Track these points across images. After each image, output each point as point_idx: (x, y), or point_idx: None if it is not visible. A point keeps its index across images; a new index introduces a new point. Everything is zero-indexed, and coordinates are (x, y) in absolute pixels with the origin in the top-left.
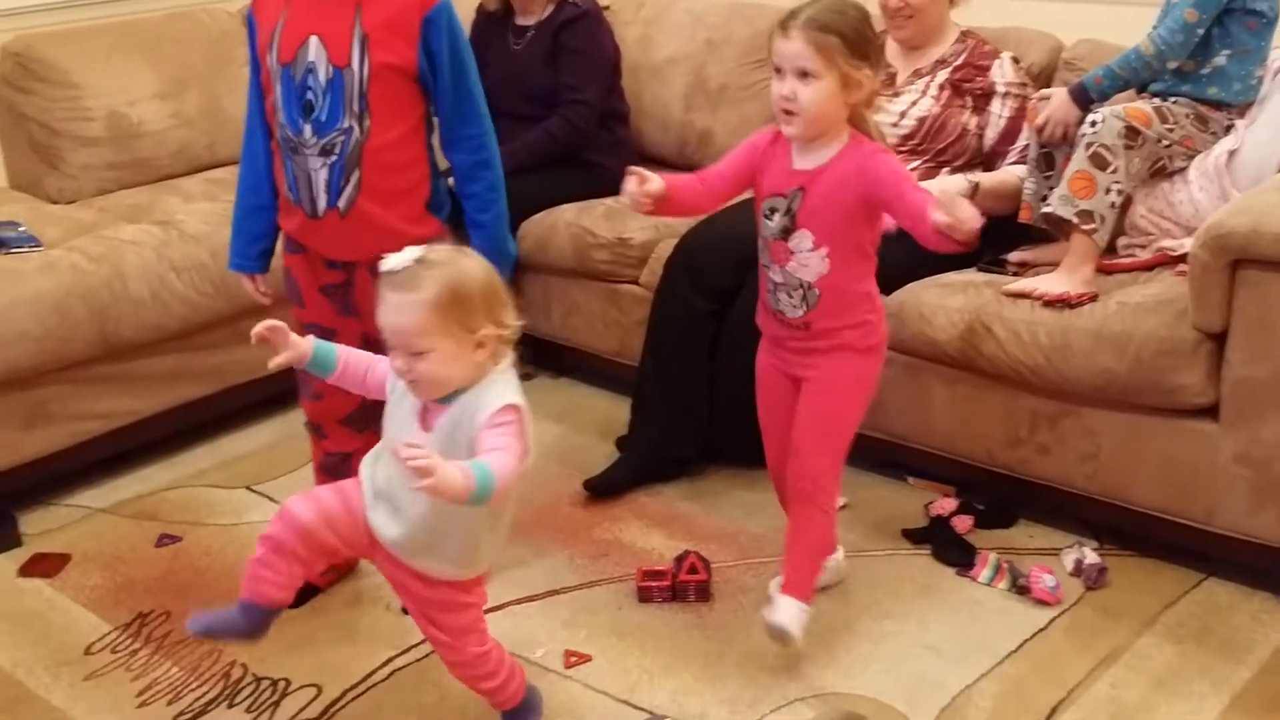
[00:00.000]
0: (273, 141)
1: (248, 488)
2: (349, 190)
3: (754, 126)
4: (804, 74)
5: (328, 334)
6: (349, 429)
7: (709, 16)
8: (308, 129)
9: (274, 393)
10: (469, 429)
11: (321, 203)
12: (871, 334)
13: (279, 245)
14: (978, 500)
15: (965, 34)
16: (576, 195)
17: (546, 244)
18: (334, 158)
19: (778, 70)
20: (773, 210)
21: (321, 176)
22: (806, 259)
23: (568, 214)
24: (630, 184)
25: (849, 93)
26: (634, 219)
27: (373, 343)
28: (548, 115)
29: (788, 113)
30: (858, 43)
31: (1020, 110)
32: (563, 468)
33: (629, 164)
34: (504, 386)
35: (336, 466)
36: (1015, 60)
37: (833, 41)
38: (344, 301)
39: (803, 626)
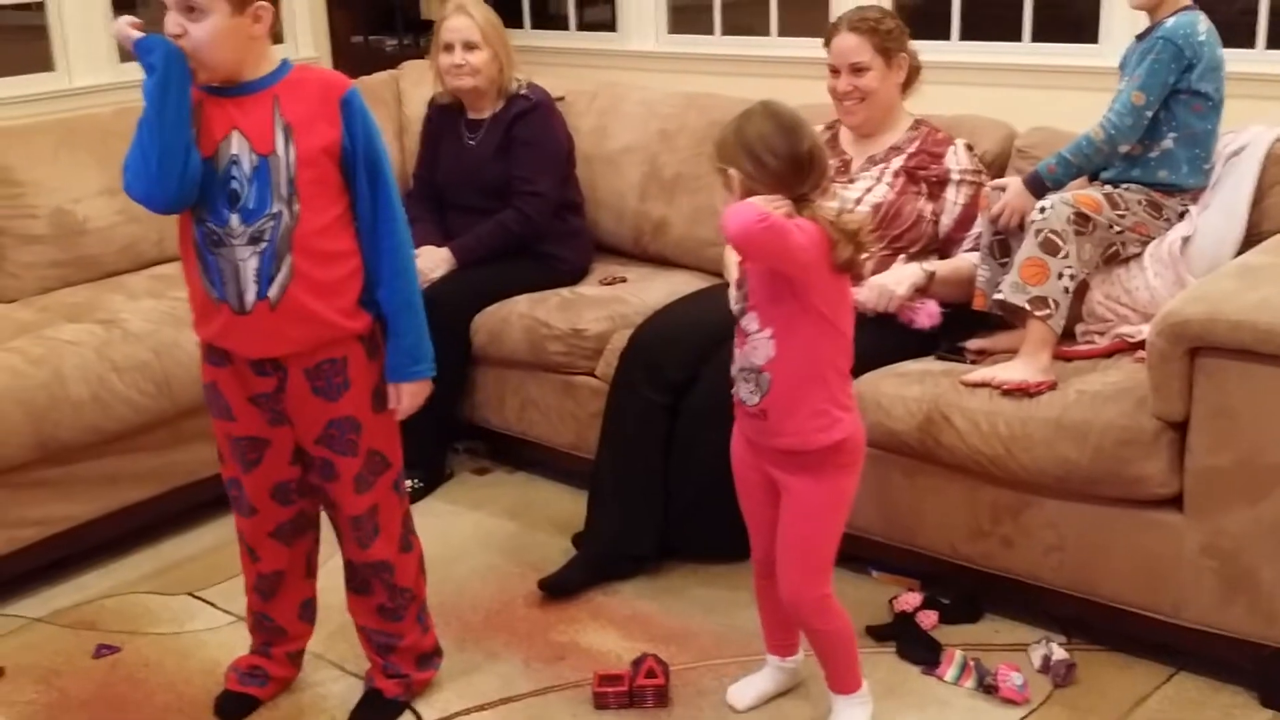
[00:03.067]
0: (188, 248)
1: (190, 594)
2: (280, 277)
3: (709, 215)
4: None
5: (261, 444)
6: (278, 543)
7: (662, 107)
8: (234, 218)
9: (217, 494)
10: None
11: (250, 295)
12: (833, 427)
13: (202, 361)
14: (943, 594)
15: (919, 122)
16: (530, 286)
17: (500, 336)
18: (264, 244)
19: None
20: (737, 289)
21: (250, 266)
22: (756, 342)
23: (521, 305)
24: None
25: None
26: (588, 309)
27: (307, 451)
28: (501, 208)
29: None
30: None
31: (975, 197)
32: (517, 566)
33: (584, 254)
34: None
35: (271, 588)
36: (969, 147)
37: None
38: (274, 410)
39: (870, 713)
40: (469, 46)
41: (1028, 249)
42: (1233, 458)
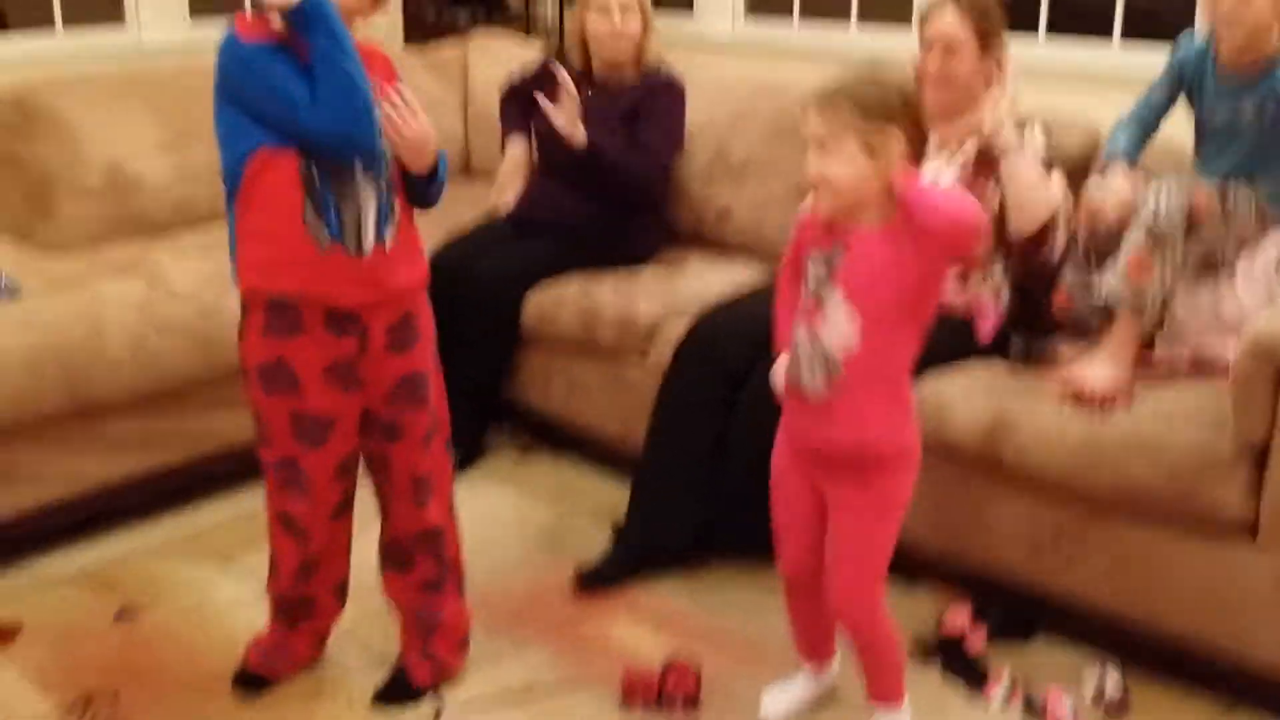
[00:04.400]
0: (282, 191)
1: (216, 563)
2: (394, 219)
3: (774, 204)
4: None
5: (330, 419)
6: (333, 522)
7: (737, 89)
8: (358, 159)
9: (250, 464)
10: None
11: (370, 236)
12: (902, 430)
13: (254, 333)
14: (994, 609)
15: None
16: (588, 264)
17: (552, 317)
18: (381, 185)
19: None
20: (820, 257)
21: (372, 207)
22: (835, 323)
23: (574, 288)
24: None
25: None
26: (643, 296)
27: (373, 413)
28: (595, 183)
29: None
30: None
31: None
32: (553, 555)
33: (653, 245)
34: None
35: (314, 567)
36: (1047, 130)
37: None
38: (351, 375)
39: None
40: (625, 9)
41: (1135, 243)
42: None
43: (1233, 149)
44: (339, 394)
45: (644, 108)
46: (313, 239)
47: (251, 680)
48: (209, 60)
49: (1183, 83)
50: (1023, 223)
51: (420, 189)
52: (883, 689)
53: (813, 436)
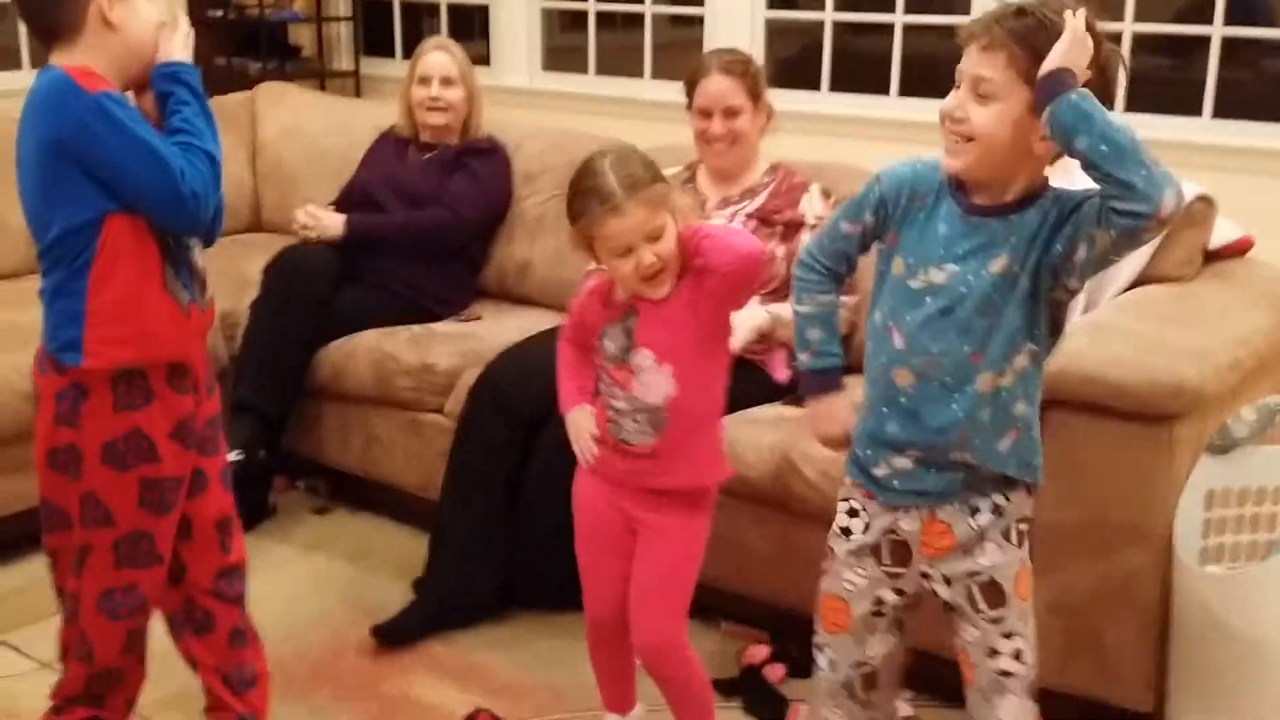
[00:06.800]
0: (152, 265)
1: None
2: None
3: (570, 257)
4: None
5: (174, 488)
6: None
7: (528, 146)
8: None
9: (20, 532)
10: None
11: (203, 293)
12: (724, 463)
13: (100, 412)
14: (792, 647)
15: (775, 165)
16: (383, 318)
17: (345, 370)
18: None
19: None
20: (618, 325)
21: (199, 263)
22: (648, 379)
23: (369, 339)
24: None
25: None
26: (440, 345)
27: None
28: None
29: None
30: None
31: None
32: (352, 612)
33: (462, 306)
34: None
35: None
36: (825, 193)
37: None
38: (189, 431)
39: None
40: (446, 82)
41: None
42: (1079, 514)
43: None
44: (183, 452)
45: (458, 165)
46: (174, 301)
47: None
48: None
49: None
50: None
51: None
52: None
53: (647, 480)
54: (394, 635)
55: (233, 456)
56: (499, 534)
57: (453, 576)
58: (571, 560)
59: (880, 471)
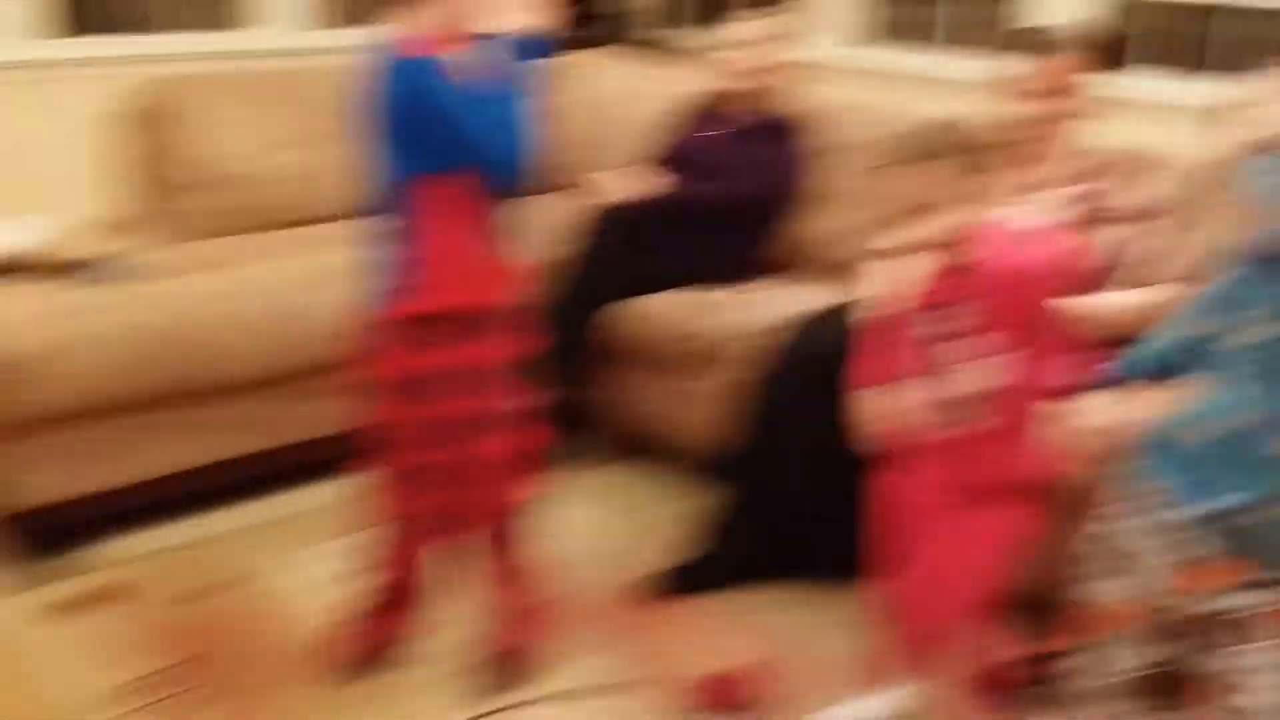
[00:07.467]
0: (463, 213)
1: (307, 543)
2: None
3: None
4: None
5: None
6: None
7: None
8: None
9: (330, 454)
10: None
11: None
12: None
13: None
14: None
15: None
16: (678, 282)
17: (633, 331)
18: None
19: None
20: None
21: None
22: (977, 367)
23: (658, 302)
24: None
25: None
26: (726, 312)
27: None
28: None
29: None
30: None
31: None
32: (629, 562)
33: (751, 277)
34: None
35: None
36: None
37: None
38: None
39: None
40: (760, 50)
41: None
42: None
43: None
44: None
45: (765, 137)
46: (494, 250)
47: (347, 661)
48: (336, 64)
49: None
50: None
51: None
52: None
53: (966, 470)
54: (670, 588)
55: (532, 402)
56: (795, 498)
57: (735, 536)
58: (857, 530)
59: None
